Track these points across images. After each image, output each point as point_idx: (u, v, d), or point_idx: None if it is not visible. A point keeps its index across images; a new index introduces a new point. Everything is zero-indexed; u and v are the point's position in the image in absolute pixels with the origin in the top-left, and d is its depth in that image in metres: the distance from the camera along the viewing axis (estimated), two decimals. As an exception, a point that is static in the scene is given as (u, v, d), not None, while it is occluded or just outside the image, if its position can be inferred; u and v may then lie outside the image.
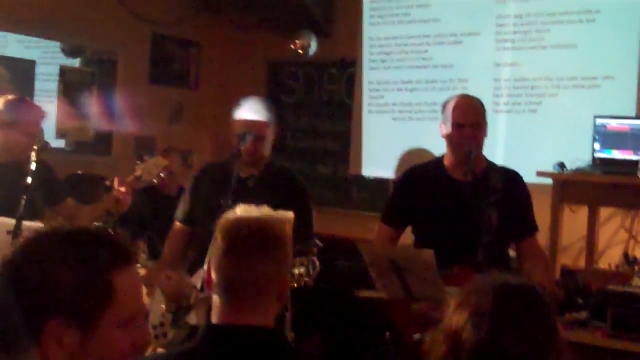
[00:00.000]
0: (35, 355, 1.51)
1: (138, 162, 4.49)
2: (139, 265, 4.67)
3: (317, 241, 4.19)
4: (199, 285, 3.83)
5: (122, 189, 4.32)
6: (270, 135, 4.00)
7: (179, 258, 4.18)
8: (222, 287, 2.17)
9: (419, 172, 4.04)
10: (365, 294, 3.80)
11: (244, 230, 2.18)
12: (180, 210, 4.21)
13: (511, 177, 3.91)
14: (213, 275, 2.20)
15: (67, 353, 1.51)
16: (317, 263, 3.40)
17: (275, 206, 3.61)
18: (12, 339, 1.52)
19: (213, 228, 3.94)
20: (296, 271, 3.37)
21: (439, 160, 3.97)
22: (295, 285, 3.48)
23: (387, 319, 3.89)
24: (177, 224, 4.22)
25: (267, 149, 4.01)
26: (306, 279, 3.43)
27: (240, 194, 3.78)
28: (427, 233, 3.88)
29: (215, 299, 2.19)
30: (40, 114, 4.41)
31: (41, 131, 4.43)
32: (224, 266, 2.17)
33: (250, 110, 3.97)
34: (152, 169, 4.43)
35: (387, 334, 3.76)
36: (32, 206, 3.94)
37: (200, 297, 3.75)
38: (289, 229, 2.25)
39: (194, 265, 3.97)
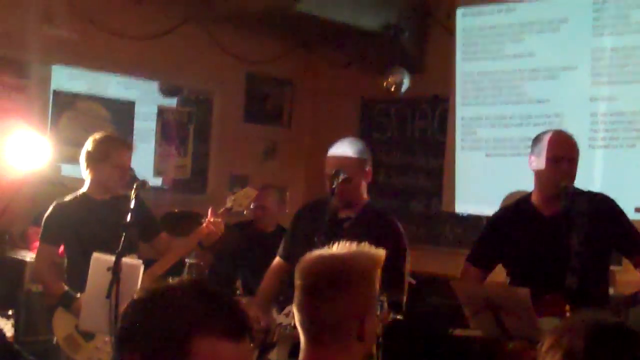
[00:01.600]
0: None
1: (229, 193, 4.56)
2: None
3: (411, 279, 4.15)
4: (288, 322, 3.83)
5: (212, 219, 4.38)
6: (363, 174, 3.94)
7: (274, 293, 4.18)
8: (301, 325, 2.20)
9: (507, 213, 4.00)
10: (459, 332, 3.76)
11: (316, 268, 2.21)
12: (282, 246, 4.23)
13: (599, 201, 3.81)
14: (294, 314, 2.22)
15: None
16: (386, 305, 3.35)
17: None
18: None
19: None
20: (384, 306, 3.32)
21: (526, 199, 3.92)
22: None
23: (483, 358, 3.83)
24: (277, 259, 4.24)
25: (361, 189, 3.95)
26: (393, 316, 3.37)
27: (335, 234, 3.77)
28: (520, 272, 3.83)
29: (301, 338, 2.21)
30: (127, 147, 4.53)
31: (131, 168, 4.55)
32: (300, 304, 2.20)
33: (341, 149, 3.93)
34: (242, 200, 4.47)
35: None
36: (128, 241, 4.05)
37: (285, 334, 3.75)
38: (373, 267, 2.23)
39: (286, 302, 3.97)
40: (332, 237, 3.73)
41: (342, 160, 3.88)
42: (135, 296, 1.60)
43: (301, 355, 2.19)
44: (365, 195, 3.99)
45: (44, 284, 4.57)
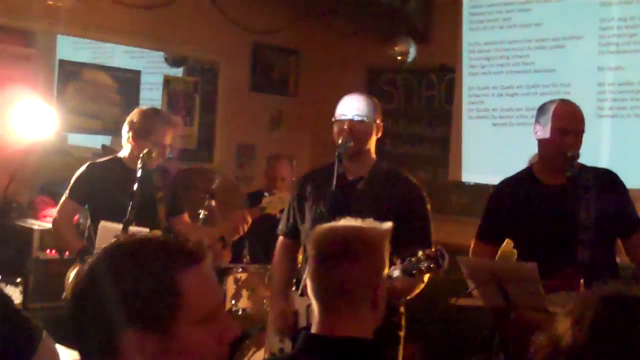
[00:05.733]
0: None
1: (266, 194, 4.79)
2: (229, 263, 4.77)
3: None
4: None
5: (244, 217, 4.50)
6: (374, 130, 3.77)
7: (291, 276, 3.96)
8: (314, 294, 2.21)
9: (509, 184, 3.99)
10: (463, 302, 3.75)
11: (331, 237, 2.23)
12: (284, 224, 4.04)
13: (604, 176, 3.81)
14: (307, 284, 2.23)
15: None
16: (445, 253, 3.29)
17: (389, 209, 3.58)
18: (93, 354, 1.56)
19: None
20: (424, 265, 3.26)
21: (528, 169, 3.92)
22: (426, 278, 3.46)
23: (488, 328, 3.84)
24: (282, 239, 4.05)
25: (372, 148, 3.80)
26: (436, 270, 3.33)
27: (349, 196, 3.68)
28: (527, 244, 3.82)
29: (313, 307, 2.22)
30: (171, 125, 4.56)
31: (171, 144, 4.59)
32: (314, 273, 2.22)
33: (353, 111, 3.75)
34: (277, 204, 4.55)
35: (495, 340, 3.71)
36: (152, 213, 4.09)
37: None
38: (383, 239, 2.26)
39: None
40: (346, 199, 3.67)
41: (355, 125, 3.72)
42: (88, 276, 1.56)
43: (315, 326, 2.21)
44: (374, 155, 3.83)
45: (63, 238, 4.60)
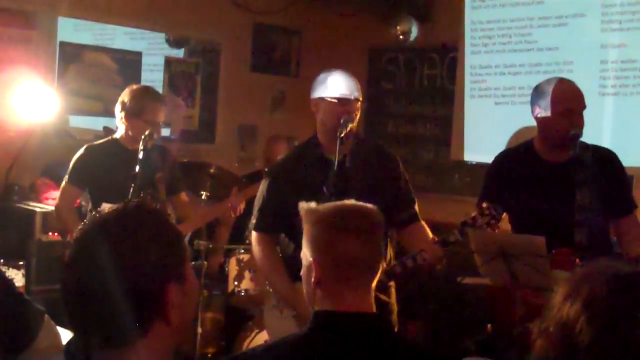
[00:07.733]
0: (159, 326, 1.61)
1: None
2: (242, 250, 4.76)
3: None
4: None
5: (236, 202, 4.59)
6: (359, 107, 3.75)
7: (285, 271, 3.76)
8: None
9: (508, 157, 3.98)
10: (468, 280, 3.75)
11: (347, 213, 2.22)
12: (260, 219, 3.81)
13: (603, 155, 3.80)
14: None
15: (179, 309, 1.62)
16: (498, 206, 3.43)
17: (376, 181, 3.58)
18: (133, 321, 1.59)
19: None
20: (483, 221, 3.40)
21: (528, 144, 3.90)
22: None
23: (490, 306, 3.84)
24: (260, 236, 3.81)
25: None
26: (495, 223, 3.44)
27: (341, 177, 3.61)
28: (522, 218, 3.80)
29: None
30: (161, 103, 4.59)
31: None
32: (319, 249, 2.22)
33: (345, 91, 3.76)
34: None
35: (489, 326, 3.72)
36: (139, 191, 4.08)
37: None
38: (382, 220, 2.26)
39: None
40: (339, 181, 3.59)
41: (351, 104, 3.73)
42: (119, 245, 1.59)
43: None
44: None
45: (66, 224, 4.63)
